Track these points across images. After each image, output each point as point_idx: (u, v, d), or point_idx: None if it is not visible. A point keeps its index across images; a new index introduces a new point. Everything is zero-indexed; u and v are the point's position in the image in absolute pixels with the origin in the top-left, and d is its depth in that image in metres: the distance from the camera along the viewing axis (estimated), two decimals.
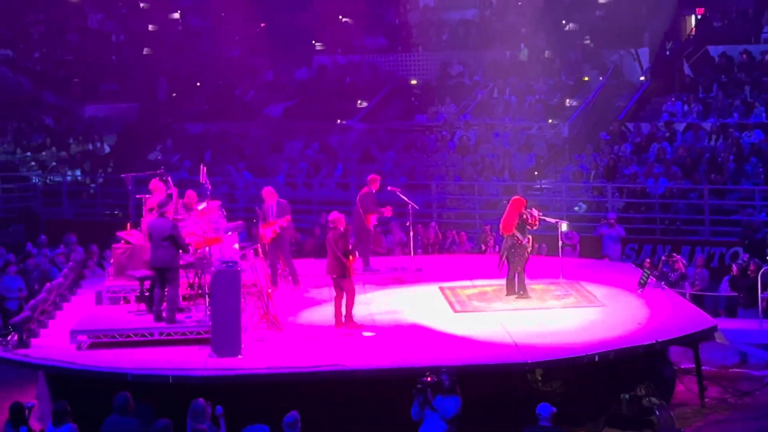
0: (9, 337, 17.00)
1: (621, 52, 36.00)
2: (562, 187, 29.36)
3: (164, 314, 16.74)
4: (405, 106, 37.71)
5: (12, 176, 34.62)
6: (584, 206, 28.87)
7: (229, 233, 19.03)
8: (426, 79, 38.93)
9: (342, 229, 17.60)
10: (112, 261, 19.25)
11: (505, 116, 34.47)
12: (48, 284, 19.71)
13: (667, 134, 30.60)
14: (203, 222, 18.43)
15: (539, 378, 16.02)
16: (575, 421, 15.56)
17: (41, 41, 43.82)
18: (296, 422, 12.92)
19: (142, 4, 47.07)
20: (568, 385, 16.09)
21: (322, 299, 19.39)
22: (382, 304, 19.17)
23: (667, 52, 35.81)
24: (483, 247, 25.02)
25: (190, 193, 19.42)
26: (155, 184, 19.04)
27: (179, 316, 16.90)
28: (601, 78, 35.35)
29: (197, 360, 15.79)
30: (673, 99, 32.55)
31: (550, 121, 33.99)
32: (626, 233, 25.96)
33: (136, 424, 13.36)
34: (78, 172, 36.48)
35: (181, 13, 46.31)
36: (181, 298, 17.27)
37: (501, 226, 19.32)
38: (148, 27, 45.61)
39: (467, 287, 20.35)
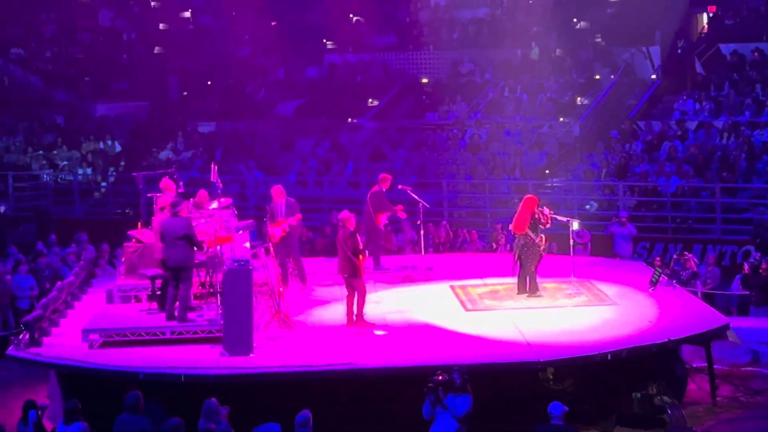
0: (21, 336, 17.04)
1: (632, 50, 35.93)
2: (573, 186, 29.35)
3: (176, 313, 16.77)
4: (416, 105, 37.70)
5: (23, 175, 34.68)
6: (595, 205, 28.84)
7: (240, 232, 19.03)
8: (437, 77, 38.90)
9: (351, 228, 17.60)
10: (123, 260, 19.28)
11: (516, 114, 34.44)
12: (59, 283, 19.74)
13: (679, 132, 30.55)
14: (214, 221, 18.46)
15: (551, 376, 16.01)
16: (587, 419, 15.56)
17: (52, 40, 43.90)
18: (308, 421, 12.95)
19: (153, 3, 47.15)
20: (579, 383, 16.08)
21: (332, 298, 19.41)
22: (393, 303, 19.19)
23: (679, 50, 35.74)
24: (494, 246, 25.01)
25: (202, 192, 19.44)
26: (166, 182, 19.08)
27: (190, 315, 16.92)
28: (612, 76, 35.30)
29: (209, 359, 15.81)
30: (684, 97, 32.49)
31: (561, 119, 33.95)
32: (638, 232, 25.92)
33: (147, 423, 13.39)
34: (89, 171, 36.53)
35: (192, 12, 46.34)
36: (192, 296, 17.30)
37: (513, 225, 19.31)
38: (159, 26, 45.65)
39: (478, 286, 20.37)
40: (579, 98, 35.03)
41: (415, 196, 21.77)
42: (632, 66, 35.88)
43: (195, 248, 16.79)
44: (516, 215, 19.33)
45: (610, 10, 38.32)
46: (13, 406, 17.27)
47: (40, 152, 36.94)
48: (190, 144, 37.41)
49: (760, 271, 21.19)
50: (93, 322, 17.36)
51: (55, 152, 37.11)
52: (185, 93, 42.26)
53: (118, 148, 38.22)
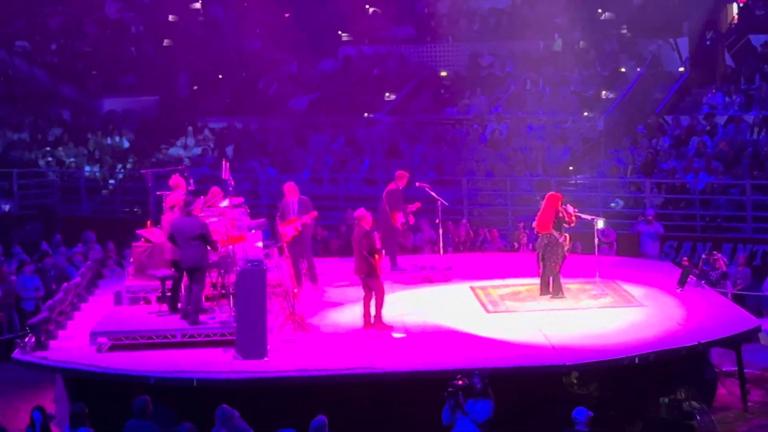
0: (26, 339, 17.10)
1: (659, 42, 35.84)
2: (597, 183, 29.31)
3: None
4: (434, 99, 37.65)
5: (29, 172, 34.75)
6: (621, 202, 28.80)
7: (253, 231, 19.05)
8: (456, 70, 38.85)
9: (368, 226, 17.60)
10: (131, 260, 19.34)
11: (539, 109, 34.39)
12: (65, 284, 19.79)
13: (708, 127, 30.46)
14: (226, 219, 18.49)
15: (575, 381, 16.02)
16: (612, 425, 15.55)
17: (58, 33, 43.97)
18: (324, 426, 12.98)
19: None
20: (604, 388, 16.09)
21: (348, 299, 19.44)
22: (411, 305, 19.20)
23: (708, 42, 35.62)
24: (516, 245, 25.01)
25: (215, 190, 19.46)
26: (176, 180, 19.10)
27: (202, 317, 16.95)
28: (638, 69, 35.20)
29: (222, 362, 15.85)
30: (713, 90, 32.40)
31: (585, 113, 33.88)
32: (665, 230, 25.90)
33: (156, 429, 13.44)
34: (96, 168, 36.62)
35: (202, 3, 46.38)
36: (203, 298, 17.32)
37: (536, 223, 19.30)
38: (168, 18, 45.70)
39: (499, 287, 20.38)
40: (604, 92, 34.95)
41: (434, 194, 21.79)
42: (659, 58, 35.80)
43: (209, 248, 16.80)
44: (539, 213, 19.32)
45: (637, 0, 38.24)
46: (19, 411, 17.36)
47: (46, 149, 37.01)
48: (200, 140, 37.47)
49: None
50: (101, 324, 17.43)
51: (61, 149, 37.18)
52: (195, 87, 42.29)
53: (126, 145, 38.28)
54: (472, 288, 20.35)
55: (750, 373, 18.05)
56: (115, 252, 25.32)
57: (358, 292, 18.36)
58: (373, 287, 17.46)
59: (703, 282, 20.21)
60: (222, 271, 17.69)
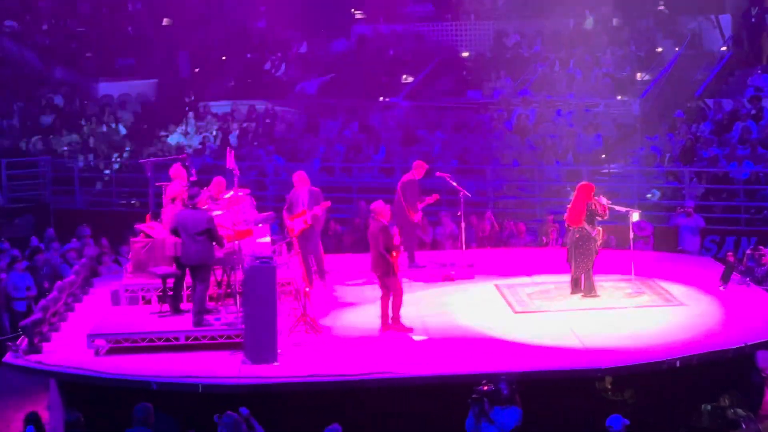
0: (18, 342, 17.15)
1: (699, 19, 35.73)
2: (632, 172, 29.28)
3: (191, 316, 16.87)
4: (456, 81, 37.65)
5: (18, 162, 34.83)
6: (658, 193, 28.76)
7: (260, 225, 19.10)
8: (479, 50, 38.82)
9: (385, 220, 17.62)
10: (129, 256, 19.40)
11: (569, 92, 34.35)
12: (59, 282, 19.85)
13: (753, 111, 30.39)
14: (232, 213, 18.53)
15: (609, 386, 16.01)
16: None
17: (50, 11, 44.06)
18: None
19: None
20: (641, 394, 16.07)
21: (363, 299, 19.49)
22: (431, 305, 19.23)
23: (753, 19, 35.47)
24: (544, 240, 25.02)
25: (219, 180, 19.50)
26: (177, 170, 19.14)
27: (207, 318, 16.98)
28: (676, 48, 35.13)
29: (229, 367, 15.90)
30: (759, 71, 32.32)
31: (619, 97, 33.85)
32: (706, 223, 25.85)
33: None
34: (91, 157, 36.69)
35: None
36: (207, 298, 17.36)
37: (567, 217, 19.29)
38: None
39: (527, 285, 20.39)
40: (639, 73, 34.90)
41: (455, 185, 21.78)
42: (699, 37, 35.69)
43: (215, 244, 16.84)
44: (570, 205, 19.31)
45: None
46: (10, 419, 17.46)
47: (37, 136, 37.09)
48: (202, 126, 37.53)
49: None
50: (99, 326, 17.48)
51: (53, 136, 37.27)
52: (197, 69, 42.36)
53: (123, 132, 38.37)
54: (497, 286, 20.35)
55: None
56: (111, 248, 25.41)
57: (374, 291, 18.39)
58: (390, 286, 17.47)
59: (747, 279, 20.20)
60: (228, 268, 17.74)
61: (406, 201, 21.25)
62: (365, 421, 15.08)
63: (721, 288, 19.41)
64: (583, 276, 19.18)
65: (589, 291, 19.13)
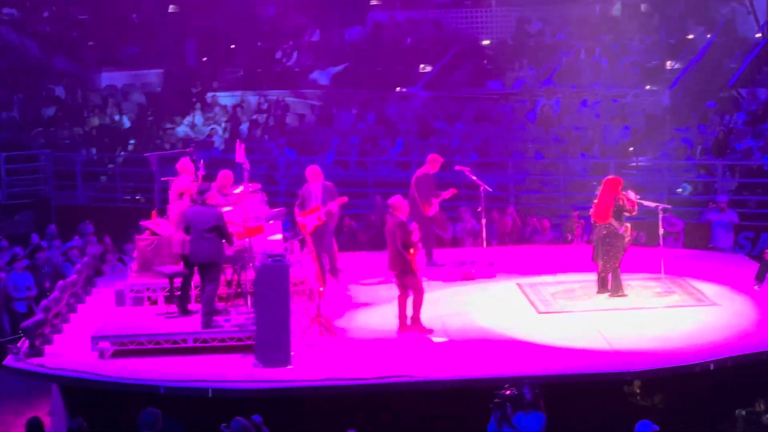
0: (19, 344, 17.20)
1: (733, 4, 35.72)
2: (662, 165, 29.24)
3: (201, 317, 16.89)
4: (476, 71, 37.66)
5: (18, 156, 34.89)
6: (689, 187, 28.72)
7: (271, 222, 19.11)
8: (500, 38, 38.86)
9: (403, 217, 17.61)
10: (134, 255, 19.42)
11: (595, 82, 34.35)
12: (61, 282, 19.86)
13: None
14: (242, 208, 18.55)
15: (638, 390, 16.00)
16: None
17: None
18: None
19: None
20: (672, 398, 16.06)
21: (379, 299, 19.51)
22: (451, 305, 19.24)
23: None
24: (569, 237, 25.02)
25: (226, 173, 19.45)
26: (184, 164, 19.13)
27: (216, 319, 17.00)
28: (708, 35, 35.11)
29: (240, 371, 15.93)
30: None
31: (648, 87, 33.84)
32: (739, 219, 25.81)
33: None
34: (94, 151, 36.77)
35: None
36: (216, 298, 17.38)
37: (594, 213, 19.27)
38: None
39: (551, 284, 20.40)
40: (669, 62, 34.89)
41: (476, 179, 21.77)
42: (733, 23, 35.66)
43: (224, 242, 16.86)
44: (596, 200, 19.30)
45: None
46: (11, 425, 17.51)
47: (38, 129, 37.17)
48: (210, 118, 37.58)
49: None
50: (103, 327, 17.51)
51: (54, 129, 37.35)
52: (205, 58, 42.42)
53: (128, 124, 38.45)
54: (519, 285, 20.37)
55: None
56: (115, 246, 25.46)
57: (390, 290, 18.42)
58: (409, 285, 17.48)
59: None
60: (238, 267, 17.76)
61: (420, 196, 21.20)
62: (382, 428, 15.08)
63: (756, 287, 19.38)
64: (610, 274, 19.18)
65: (617, 290, 19.12)
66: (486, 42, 39.15)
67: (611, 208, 18.94)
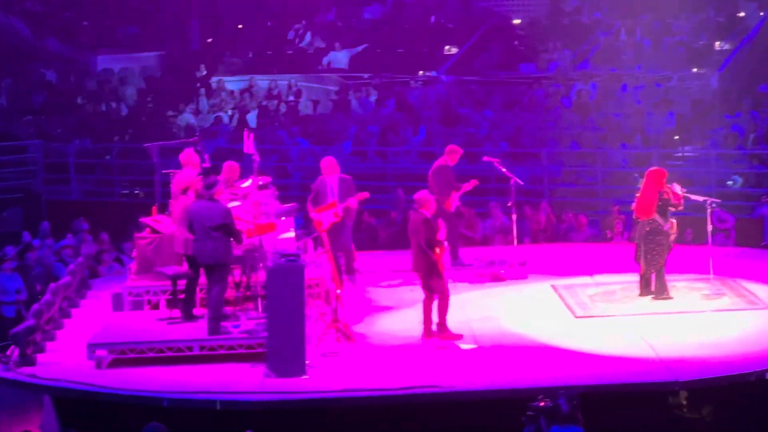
0: (8, 352, 17.24)
1: None
2: (710, 156, 29.20)
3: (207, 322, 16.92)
4: (506, 53, 37.70)
5: (7, 146, 34.98)
6: (740, 180, 28.70)
7: (283, 218, 19.12)
8: (533, 17, 38.89)
9: (429, 213, 17.57)
10: (134, 254, 19.47)
11: (636, 64, 34.33)
12: (53, 284, 19.90)
13: None
14: (251, 204, 18.56)
15: (684, 402, 15.99)
16: None
17: None
18: None
19: None
20: (721, 411, 16.04)
21: (401, 302, 19.53)
22: (479, 308, 19.26)
23: None
24: (608, 234, 25.04)
25: (232, 165, 19.45)
26: (188, 155, 19.13)
27: (224, 325, 17.03)
28: (761, 13, 35.05)
29: (250, 381, 15.95)
30: None
31: (694, 69, 33.81)
32: None
33: None
34: (88, 141, 36.84)
35: None
36: (224, 301, 17.38)
37: (636, 207, 19.27)
38: None
39: (589, 285, 20.41)
40: (718, 42, 34.85)
41: (505, 171, 21.78)
42: None
43: (232, 240, 16.87)
44: (638, 194, 19.29)
45: None
46: None
47: (27, 117, 37.27)
48: (216, 105, 37.63)
49: None
50: (100, 334, 17.55)
51: (45, 117, 37.45)
52: (210, 40, 42.48)
53: (125, 111, 38.53)
54: (554, 287, 20.40)
55: None
56: (112, 244, 25.52)
57: (413, 292, 18.43)
58: (435, 288, 17.46)
59: None
60: (247, 267, 17.78)
61: (438, 190, 20.99)
62: None
63: None
64: (654, 275, 19.17)
65: (661, 292, 19.11)
66: (517, 21, 39.18)
67: (655, 203, 18.93)
